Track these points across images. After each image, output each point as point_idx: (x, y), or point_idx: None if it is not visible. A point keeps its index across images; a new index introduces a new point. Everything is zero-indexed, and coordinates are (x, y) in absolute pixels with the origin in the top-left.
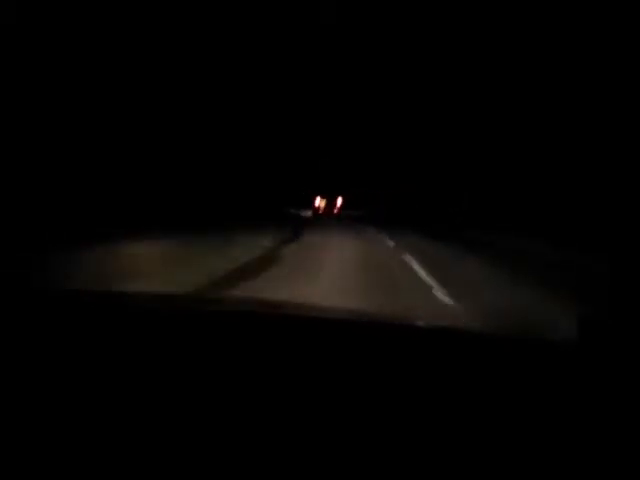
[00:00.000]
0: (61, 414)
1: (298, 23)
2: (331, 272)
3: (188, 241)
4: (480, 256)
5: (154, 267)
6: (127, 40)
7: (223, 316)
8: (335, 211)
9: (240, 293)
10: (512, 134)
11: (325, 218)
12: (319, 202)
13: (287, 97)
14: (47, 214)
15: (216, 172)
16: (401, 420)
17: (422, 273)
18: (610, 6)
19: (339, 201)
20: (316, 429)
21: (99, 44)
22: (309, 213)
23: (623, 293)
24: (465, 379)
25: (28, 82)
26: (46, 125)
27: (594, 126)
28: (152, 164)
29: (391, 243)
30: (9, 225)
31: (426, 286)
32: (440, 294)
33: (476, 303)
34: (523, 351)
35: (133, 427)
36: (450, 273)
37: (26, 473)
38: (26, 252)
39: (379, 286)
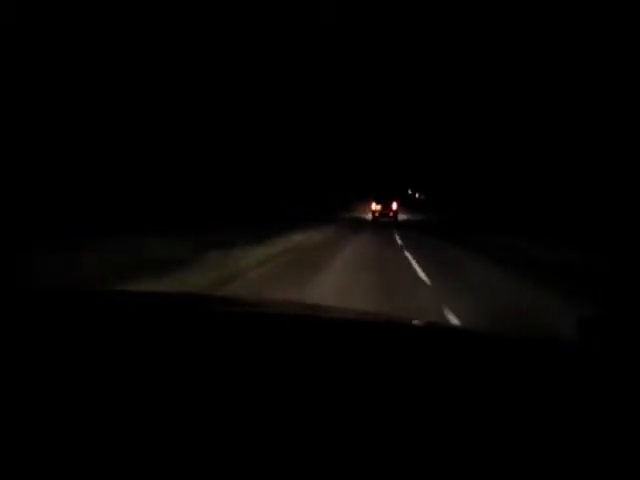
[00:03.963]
0: (59, 414)
1: (298, 23)
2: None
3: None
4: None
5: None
6: (127, 40)
7: (222, 316)
8: (391, 214)
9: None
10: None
11: (382, 220)
12: (375, 206)
13: (320, 97)
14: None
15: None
16: (401, 421)
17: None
18: (610, 6)
19: (394, 205)
20: (316, 429)
21: (99, 44)
22: (369, 216)
23: (623, 293)
24: (465, 379)
25: (28, 82)
26: (46, 125)
27: (592, 127)
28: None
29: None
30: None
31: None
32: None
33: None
34: (523, 351)
35: (131, 427)
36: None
37: (24, 472)
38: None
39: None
